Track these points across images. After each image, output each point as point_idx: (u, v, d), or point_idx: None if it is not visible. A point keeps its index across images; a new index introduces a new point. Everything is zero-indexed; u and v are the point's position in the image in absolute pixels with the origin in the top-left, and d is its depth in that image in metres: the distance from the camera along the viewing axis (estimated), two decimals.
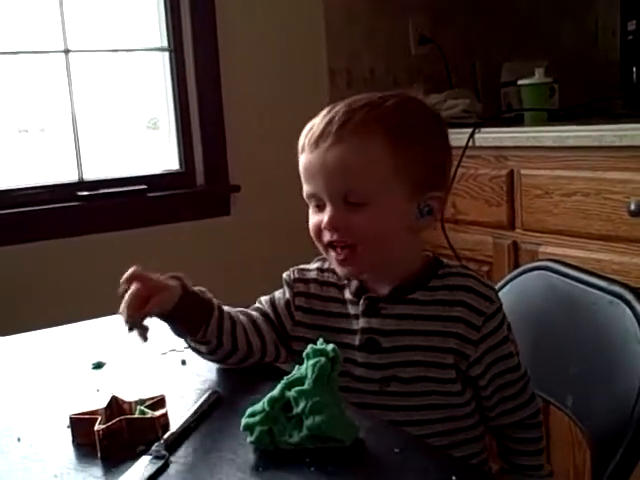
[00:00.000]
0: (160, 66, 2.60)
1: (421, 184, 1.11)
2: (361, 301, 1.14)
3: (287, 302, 1.20)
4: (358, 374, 1.11)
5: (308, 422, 0.88)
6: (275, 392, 0.92)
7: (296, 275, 1.21)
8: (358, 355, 1.12)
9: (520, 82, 2.39)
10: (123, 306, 1.08)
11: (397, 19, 2.83)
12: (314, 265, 1.22)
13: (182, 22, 2.55)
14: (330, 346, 0.93)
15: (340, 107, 1.11)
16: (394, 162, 1.08)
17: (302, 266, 1.23)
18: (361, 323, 1.13)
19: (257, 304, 1.24)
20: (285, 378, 0.93)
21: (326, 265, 1.21)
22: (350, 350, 1.12)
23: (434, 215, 1.14)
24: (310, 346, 0.93)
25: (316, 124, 1.11)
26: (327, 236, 1.10)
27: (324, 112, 1.12)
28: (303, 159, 1.12)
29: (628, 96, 2.24)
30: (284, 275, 1.23)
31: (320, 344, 0.94)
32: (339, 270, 1.14)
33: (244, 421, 0.91)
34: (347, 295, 1.17)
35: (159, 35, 2.58)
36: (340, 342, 1.07)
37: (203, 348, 1.16)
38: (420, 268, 1.15)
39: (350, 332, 1.14)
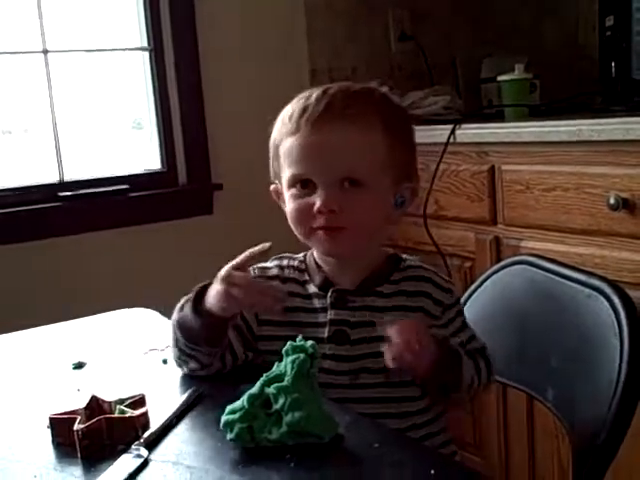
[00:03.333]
0: (140, 66, 2.59)
1: (401, 174, 1.15)
2: (329, 294, 1.15)
3: None
4: (326, 367, 1.11)
5: (287, 418, 0.88)
6: (254, 389, 0.92)
7: (257, 273, 1.21)
8: (326, 347, 1.12)
9: (500, 78, 2.39)
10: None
11: (377, 16, 2.84)
12: (273, 263, 1.23)
13: (162, 21, 2.54)
14: (309, 342, 0.93)
15: (334, 91, 1.11)
16: (388, 148, 1.12)
17: (261, 265, 1.23)
18: (330, 315, 1.14)
19: None
20: (264, 375, 0.93)
21: (284, 262, 1.22)
22: (318, 344, 1.12)
23: (405, 207, 1.18)
24: (289, 343, 0.94)
25: (311, 105, 1.10)
26: (320, 221, 1.10)
27: (315, 95, 1.11)
28: (297, 140, 1.11)
29: (607, 91, 2.25)
30: None
31: (299, 341, 0.94)
32: (324, 250, 1.15)
33: (224, 419, 0.91)
34: (312, 289, 1.18)
35: (139, 35, 2.57)
36: (306, 337, 1.07)
37: (193, 363, 1.14)
38: (383, 261, 1.18)
39: (316, 325, 1.15)
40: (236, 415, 0.90)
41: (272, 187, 1.22)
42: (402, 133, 1.16)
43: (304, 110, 1.10)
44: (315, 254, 1.20)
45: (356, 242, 1.13)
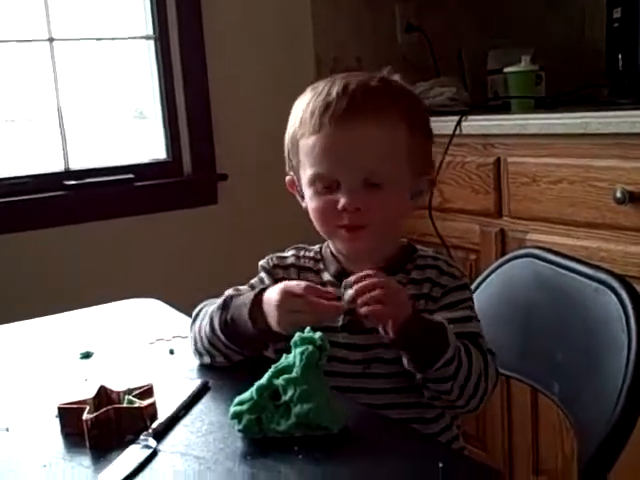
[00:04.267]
0: (146, 55, 2.59)
1: (421, 166, 1.16)
2: (343, 283, 1.14)
3: None
4: (340, 355, 1.11)
5: (296, 410, 0.88)
6: (263, 380, 0.92)
7: (275, 261, 1.22)
8: (340, 336, 1.13)
9: (506, 70, 2.39)
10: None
11: (383, 7, 2.83)
12: (290, 252, 1.24)
13: (167, 10, 2.54)
14: (317, 334, 0.93)
15: (355, 86, 1.10)
16: (410, 143, 1.12)
17: (278, 254, 1.24)
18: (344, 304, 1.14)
19: (234, 293, 1.19)
20: (273, 366, 0.93)
21: (301, 253, 1.23)
22: (330, 332, 1.12)
23: (422, 197, 1.19)
24: (298, 334, 0.94)
25: (333, 102, 1.09)
26: (345, 219, 1.10)
27: (335, 90, 1.10)
28: (320, 138, 1.10)
29: (614, 83, 2.24)
30: (262, 263, 1.23)
31: (308, 332, 0.94)
32: (346, 248, 1.16)
33: (232, 409, 0.91)
34: (326, 277, 1.18)
35: (144, 23, 2.57)
36: (323, 326, 1.09)
37: (221, 358, 1.14)
38: (398, 252, 1.18)
39: None
40: (244, 406, 0.90)
41: (287, 178, 1.22)
42: (422, 124, 1.17)
43: (326, 108, 1.09)
44: (331, 245, 1.20)
45: (377, 239, 1.14)
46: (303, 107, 1.14)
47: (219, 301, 1.14)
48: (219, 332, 1.11)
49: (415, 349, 1.03)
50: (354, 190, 1.09)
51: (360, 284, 0.99)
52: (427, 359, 1.01)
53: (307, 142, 1.12)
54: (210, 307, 1.15)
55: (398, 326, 0.99)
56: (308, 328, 0.95)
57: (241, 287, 1.20)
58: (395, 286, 1.02)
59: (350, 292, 1.00)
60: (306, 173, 1.14)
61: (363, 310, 0.98)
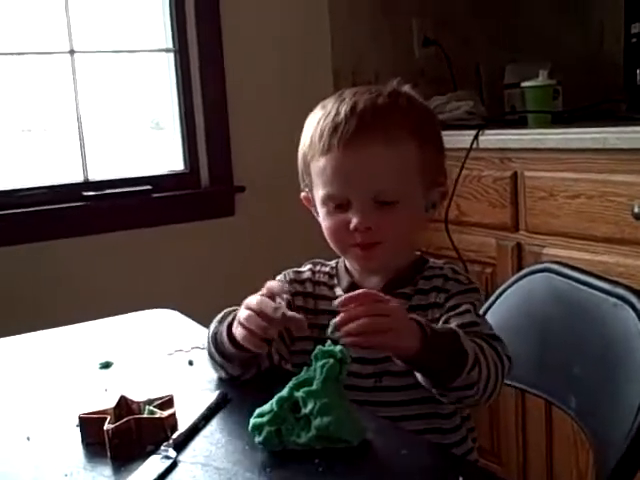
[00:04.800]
0: (165, 67, 2.61)
1: (432, 179, 1.17)
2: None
3: (288, 303, 1.16)
4: (353, 370, 1.09)
5: (316, 423, 0.88)
6: (284, 392, 0.92)
7: (292, 276, 1.24)
8: (351, 350, 1.13)
9: (523, 84, 2.39)
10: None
11: (401, 21, 2.84)
12: (307, 267, 1.25)
13: (187, 23, 2.56)
14: (338, 347, 0.94)
15: (363, 106, 1.10)
16: (420, 158, 1.13)
17: (295, 269, 1.25)
18: None
19: None
20: (294, 379, 0.94)
21: (317, 268, 1.24)
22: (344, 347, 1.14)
23: (435, 210, 1.20)
24: (318, 347, 0.94)
25: (341, 124, 1.09)
26: (357, 238, 1.11)
27: (344, 110, 1.10)
28: (329, 160, 1.11)
29: (632, 98, 2.24)
30: (279, 277, 1.24)
31: (328, 345, 0.94)
32: (359, 266, 1.17)
33: (252, 421, 0.92)
34: (338, 292, 1.19)
35: (164, 36, 2.59)
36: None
37: (223, 372, 1.14)
38: (410, 264, 1.19)
39: None
40: (265, 418, 0.91)
41: (302, 195, 1.23)
42: (432, 138, 1.17)
43: (334, 129, 1.10)
44: (346, 260, 1.21)
45: (391, 255, 1.15)
46: (313, 127, 1.15)
47: (222, 313, 1.15)
48: (212, 348, 1.12)
49: (432, 373, 1.00)
50: (365, 209, 1.10)
51: (343, 315, 0.94)
52: (447, 377, 0.98)
53: (317, 164, 1.13)
54: (217, 317, 1.16)
55: (403, 357, 0.97)
56: (329, 342, 0.95)
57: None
58: (393, 312, 0.94)
59: (333, 321, 0.94)
60: (318, 193, 1.15)
61: (344, 341, 0.93)
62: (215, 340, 1.12)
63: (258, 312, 1.01)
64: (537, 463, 2.18)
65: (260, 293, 1.04)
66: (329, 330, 0.94)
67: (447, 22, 2.90)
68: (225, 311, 1.15)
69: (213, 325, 1.15)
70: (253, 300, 1.03)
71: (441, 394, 1.03)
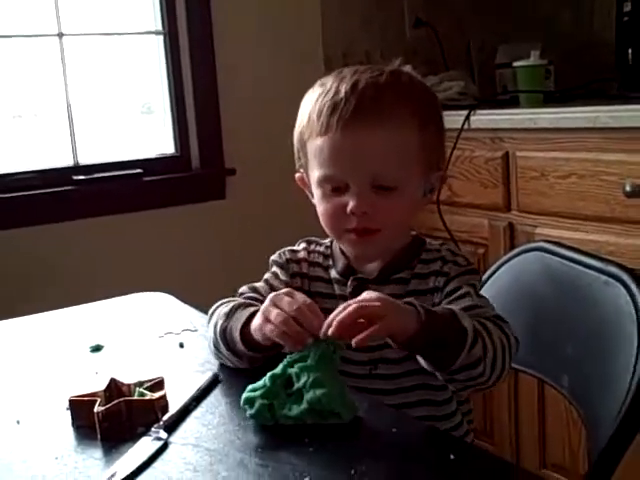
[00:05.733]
0: (155, 50, 2.59)
1: (432, 163, 1.14)
2: (349, 282, 1.14)
3: (287, 285, 1.16)
4: (346, 356, 1.07)
5: (308, 395, 0.88)
6: (277, 369, 0.92)
7: (287, 256, 1.21)
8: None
9: (515, 64, 2.38)
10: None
11: (392, 2, 2.83)
12: (301, 246, 1.22)
13: (176, 5, 2.54)
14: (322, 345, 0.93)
15: (364, 85, 1.06)
16: (420, 143, 1.09)
17: (289, 247, 1.22)
18: None
19: (250, 294, 1.16)
20: (288, 357, 0.93)
21: (312, 247, 1.22)
22: None
23: (433, 193, 1.17)
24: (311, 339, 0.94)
25: (341, 103, 1.05)
26: (353, 222, 1.08)
27: (344, 89, 1.06)
28: (327, 141, 1.07)
29: (623, 77, 2.24)
30: (274, 257, 1.21)
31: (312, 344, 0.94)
32: (354, 252, 1.14)
33: (244, 395, 0.91)
34: (333, 274, 1.17)
35: (153, 18, 2.57)
36: None
37: (230, 364, 1.11)
38: (406, 246, 1.16)
39: None
40: (257, 392, 0.90)
41: (297, 175, 1.19)
42: (434, 118, 1.13)
43: (333, 108, 1.06)
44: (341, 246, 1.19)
45: (387, 243, 1.13)
46: (311, 105, 1.10)
47: (229, 306, 1.11)
48: (220, 339, 1.09)
49: (433, 355, 0.97)
50: (363, 193, 1.07)
51: (336, 326, 0.91)
52: (449, 357, 0.96)
53: (315, 143, 1.09)
54: (222, 309, 1.12)
55: (401, 341, 0.95)
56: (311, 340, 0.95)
57: (256, 284, 1.19)
58: (381, 299, 0.93)
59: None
60: (314, 174, 1.11)
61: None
62: (224, 336, 1.08)
63: (296, 317, 0.95)
64: (530, 442, 2.19)
65: (285, 292, 0.99)
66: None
67: (438, 2, 2.88)
68: (231, 305, 1.10)
69: (220, 320, 1.09)
70: (284, 301, 0.97)
71: (449, 380, 1.00)
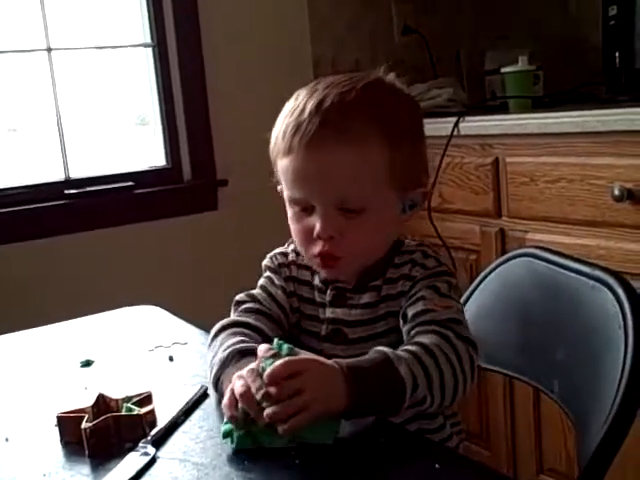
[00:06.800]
0: (144, 62, 2.60)
1: (409, 183, 1.09)
2: (328, 290, 1.13)
3: (283, 290, 1.15)
4: None
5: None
6: None
7: (279, 260, 1.18)
8: (324, 346, 1.11)
9: (503, 70, 2.39)
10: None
11: (381, 8, 2.84)
12: (290, 247, 1.19)
13: (165, 17, 2.55)
14: (285, 347, 0.91)
15: (330, 103, 1.02)
16: (389, 164, 1.05)
17: (279, 250, 1.20)
18: (328, 313, 1.12)
19: (249, 305, 1.14)
20: None
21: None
22: (315, 340, 1.12)
23: (417, 208, 1.13)
24: (264, 346, 0.93)
25: (304, 123, 1.02)
26: (318, 247, 1.05)
27: (309, 107, 1.03)
28: (290, 162, 1.05)
29: (611, 81, 2.24)
30: (266, 262, 1.19)
31: (276, 344, 0.93)
32: (325, 276, 1.13)
33: (222, 428, 0.90)
34: (316, 281, 1.15)
35: (142, 31, 2.57)
36: (309, 330, 1.12)
37: None
38: (383, 255, 1.12)
39: (317, 320, 1.13)
40: (231, 425, 0.89)
41: (279, 187, 1.15)
42: (407, 137, 1.08)
43: (297, 129, 1.03)
44: None
45: (356, 266, 1.10)
46: (280, 123, 1.08)
47: (226, 351, 1.03)
48: (213, 385, 1.04)
49: (374, 412, 0.93)
50: (329, 215, 1.04)
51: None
52: (392, 409, 0.92)
53: (281, 163, 1.07)
54: (220, 350, 1.04)
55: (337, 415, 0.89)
56: (276, 340, 0.94)
57: (253, 291, 1.17)
58: (305, 382, 0.86)
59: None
60: (285, 193, 1.10)
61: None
62: (217, 385, 1.02)
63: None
64: (526, 447, 2.19)
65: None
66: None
67: (427, 9, 2.90)
68: (227, 352, 1.02)
69: (215, 366, 1.03)
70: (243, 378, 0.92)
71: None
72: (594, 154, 1.87)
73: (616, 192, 1.78)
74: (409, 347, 0.95)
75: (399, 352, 0.94)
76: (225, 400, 0.91)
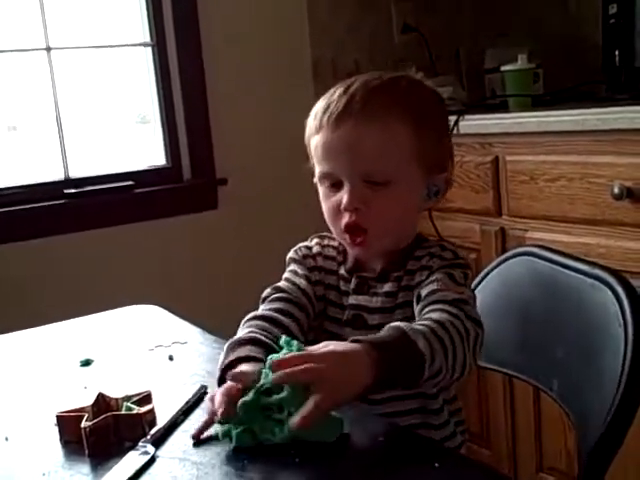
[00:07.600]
0: (144, 61, 2.59)
1: (433, 166, 1.15)
2: (352, 279, 1.17)
3: (307, 279, 1.19)
4: None
5: (288, 429, 0.86)
6: (248, 397, 0.89)
7: (304, 252, 1.23)
8: (345, 331, 1.14)
9: (503, 68, 2.39)
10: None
11: (380, 10, 2.83)
12: (314, 241, 1.24)
13: (164, 16, 2.55)
14: (294, 344, 0.92)
15: (356, 87, 1.11)
16: (414, 144, 1.11)
17: (303, 243, 1.24)
18: (351, 300, 1.16)
19: (276, 295, 1.16)
20: (255, 386, 0.90)
21: (325, 242, 1.23)
22: (337, 325, 1.16)
23: (440, 196, 1.18)
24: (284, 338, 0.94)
25: (333, 103, 1.11)
26: (346, 218, 1.11)
27: (338, 91, 1.12)
28: (320, 138, 1.12)
29: (611, 79, 2.24)
30: (290, 255, 1.23)
31: (284, 342, 0.93)
32: (353, 252, 1.17)
33: (220, 430, 0.90)
34: (342, 271, 1.19)
35: (142, 30, 2.57)
36: (331, 316, 1.16)
37: None
38: (407, 247, 1.17)
39: (340, 307, 1.17)
40: (230, 425, 0.89)
41: (315, 179, 1.19)
42: (431, 123, 1.15)
43: (326, 108, 1.12)
44: None
45: (383, 240, 1.14)
46: (314, 109, 1.16)
47: (244, 334, 1.06)
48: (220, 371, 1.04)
49: (397, 385, 0.96)
50: (355, 188, 1.10)
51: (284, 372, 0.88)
52: (412, 381, 0.94)
53: (313, 142, 1.15)
54: (238, 333, 1.08)
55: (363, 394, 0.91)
56: (284, 337, 0.95)
57: (279, 284, 1.19)
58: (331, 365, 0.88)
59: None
60: (316, 172, 1.16)
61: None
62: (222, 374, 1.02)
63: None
64: (527, 446, 2.19)
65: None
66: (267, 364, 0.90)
67: (426, 8, 2.89)
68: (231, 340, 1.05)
69: (224, 355, 1.03)
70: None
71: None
72: (594, 152, 1.87)
73: (616, 190, 1.78)
74: (423, 321, 0.99)
75: (415, 326, 0.96)
76: (216, 402, 0.91)
